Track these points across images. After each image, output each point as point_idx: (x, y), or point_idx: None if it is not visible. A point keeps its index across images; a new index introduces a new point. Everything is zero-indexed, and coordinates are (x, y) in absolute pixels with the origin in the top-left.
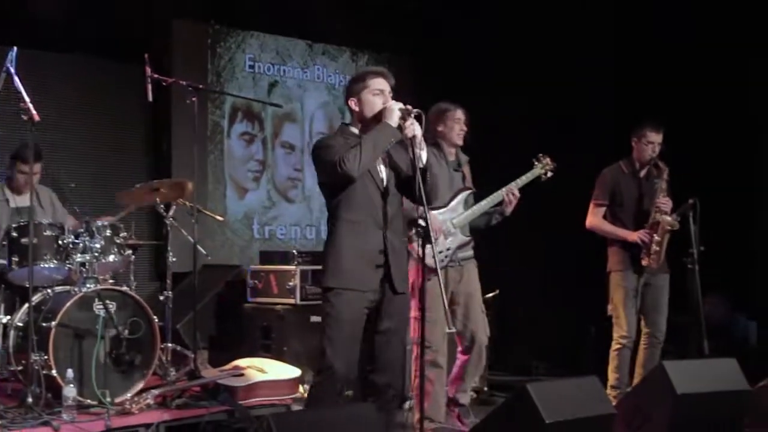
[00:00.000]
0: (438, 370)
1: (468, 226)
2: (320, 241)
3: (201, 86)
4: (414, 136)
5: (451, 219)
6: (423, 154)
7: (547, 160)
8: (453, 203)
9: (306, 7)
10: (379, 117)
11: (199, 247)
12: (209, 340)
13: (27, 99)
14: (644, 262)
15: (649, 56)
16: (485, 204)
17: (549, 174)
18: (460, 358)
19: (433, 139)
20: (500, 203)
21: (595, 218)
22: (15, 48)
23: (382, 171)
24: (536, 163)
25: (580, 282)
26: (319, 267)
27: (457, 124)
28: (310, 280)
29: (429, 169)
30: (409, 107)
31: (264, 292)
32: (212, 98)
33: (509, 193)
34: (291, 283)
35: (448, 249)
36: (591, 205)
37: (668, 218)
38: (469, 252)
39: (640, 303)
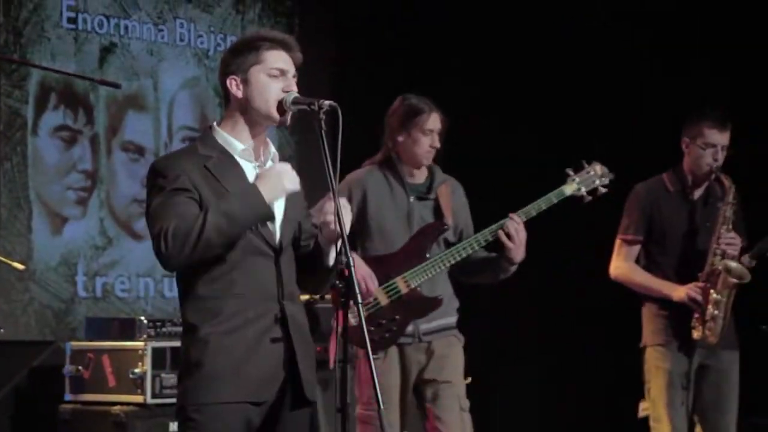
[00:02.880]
0: None
1: (444, 281)
2: None
3: None
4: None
5: (403, 275)
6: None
7: (596, 168)
8: (411, 248)
9: None
10: (281, 110)
11: None
12: None
13: None
14: (696, 334)
15: None
16: (462, 248)
17: (601, 190)
18: None
19: (385, 151)
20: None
21: (623, 263)
22: None
23: (278, 217)
24: (572, 175)
25: (599, 363)
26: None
27: (425, 137)
28: (169, 363)
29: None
30: (322, 101)
31: (93, 386)
32: (7, 71)
33: (508, 228)
34: (137, 370)
35: (396, 317)
36: (617, 242)
37: (734, 264)
38: (444, 320)
39: (693, 396)
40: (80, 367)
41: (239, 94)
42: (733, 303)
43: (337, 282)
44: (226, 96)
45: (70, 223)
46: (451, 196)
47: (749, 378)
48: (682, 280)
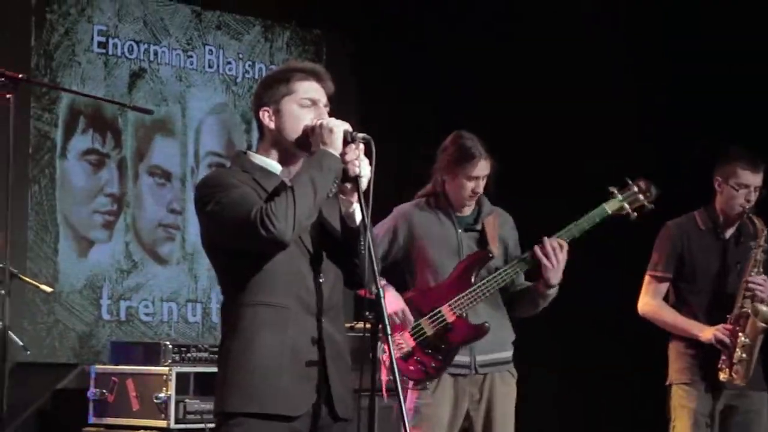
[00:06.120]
0: None
1: (500, 315)
2: (210, 327)
3: (20, 76)
4: (358, 177)
5: (448, 303)
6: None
7: (641, 184)
8: (457, 278)
9: None
10: (306, 142)
11: (12, 335)
12: None
13: None
14: (723, 376)
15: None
16: (505, 273)
17: (647, 207)
18: None
19: (434, 184)
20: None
21: (651, 300)
22: None
23: (308, 228)
24: (615, 193)
25: (623, 399)
26: (209, 369)
27: (470, 183)
28: (193, 389)
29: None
30: (356, 133)
31: (117, 409)
32: (38, 94)
33: (543, 249)
34: (162, 395)
35: (442, 346)
36: (646, 278)
37: (764, 308)
38: (501, 354)
39: None
40: (104, 391)
41: (272, 125)
42: (760, 347)
43: (366, 313)
44: (260, 128)
45: (96, 247)
46: (498, 225)
47: None
48: (711, 320)
